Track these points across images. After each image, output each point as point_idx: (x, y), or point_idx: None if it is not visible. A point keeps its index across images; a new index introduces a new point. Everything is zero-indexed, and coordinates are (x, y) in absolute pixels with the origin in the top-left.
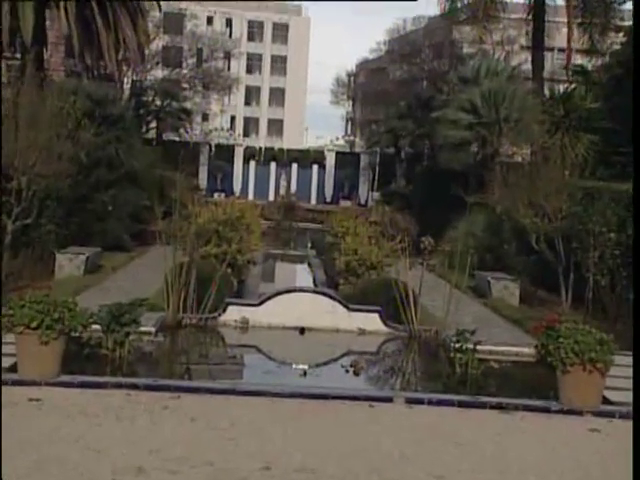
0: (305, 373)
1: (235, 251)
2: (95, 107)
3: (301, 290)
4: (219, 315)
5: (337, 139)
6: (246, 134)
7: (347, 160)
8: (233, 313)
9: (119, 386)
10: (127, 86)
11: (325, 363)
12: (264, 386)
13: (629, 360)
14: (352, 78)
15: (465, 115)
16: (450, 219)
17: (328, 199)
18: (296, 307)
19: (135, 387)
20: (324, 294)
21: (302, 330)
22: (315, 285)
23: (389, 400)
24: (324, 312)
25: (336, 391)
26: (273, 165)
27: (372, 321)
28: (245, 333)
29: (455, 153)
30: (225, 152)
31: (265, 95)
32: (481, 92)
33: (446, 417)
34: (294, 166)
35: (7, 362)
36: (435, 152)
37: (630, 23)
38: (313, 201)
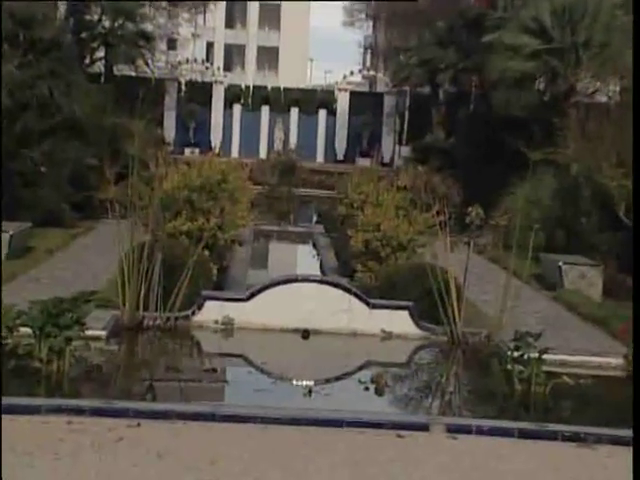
0: (310, 392)
1: (214, 227)
2: (19, 29)
3: (304, 280)
4: (193, 314)
5: (352, 74)
6: (228, 68)
7: (366, 103)
8: (212, 311)
9: (58, 411)
10: (63, 1)
11: (337, 378)
12: (255, 409)
13: None
14: None
15: (529, 39)
16: (506, 183)
17: (340, 156)
18: (298, 302)
19: (80, 412)
20: (336, 285)
21: (306, 333)
22: (323, 273)
23: (424, 428)
24: (336, 309)
25: (352, 416)
26: (265, 110)
27: (400, 321)
28: (229, 338)
29: (514, 92)
30: (200, 92)
31: (254, 14)
32: (552, 6)
33: (502, 452)
34: (294, 112)
35: None
36: (487, 91)
37: None
38: (320, 159)
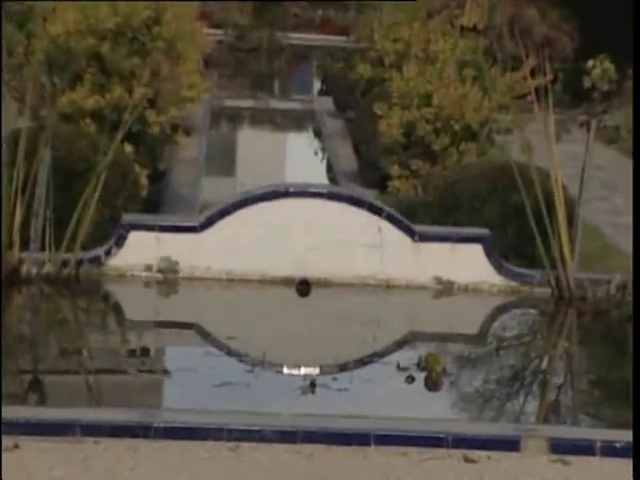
0: (313, 385)
1: (142, 104)
2: None
3: (300, 193)
4: (108, 254)
5: None
6: None
7: None
8: (142, 250)
9: None
10: None
11: (360, 362)
12: (216, 417)
13: None
14: None
15: None
16: None
17: None
18: (289, 233)
19: None
20: (355, 202)
21: (304, 287)
22: (334, 182)
23: (512, 446)
24: (355, 243)
25: (386, 426)
26: None
27: (468, 262)
28: (171, 295)
29: None
30: None
31: None
32: None
33: None
34: None
35: None
36: None
37: None
38: None
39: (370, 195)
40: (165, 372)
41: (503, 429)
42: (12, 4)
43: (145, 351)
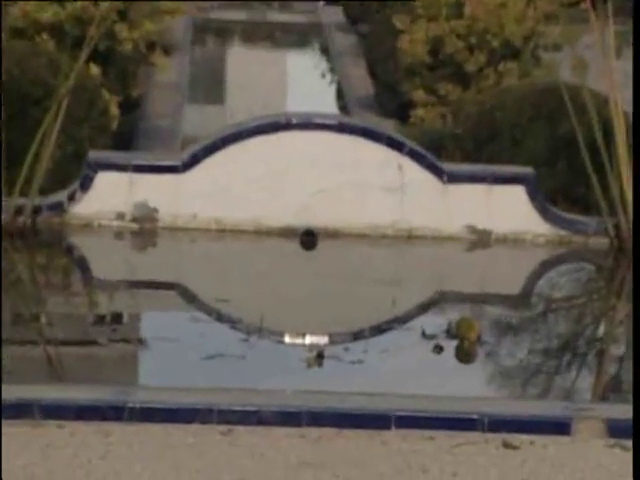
0: (321, 357)
1: (111, 16)
2: None
3: (303, 125)
4: (72, 199)
5: None
6: None
7: None
8: (112, 193)
9: None
10: None
11: (377, 329)
12: (204, 395)
13: None
14: None
15: None
16: None
17: None
18: (290, 174)
19: None
20: (372, 135)
21: (309, 238)
22: (344, 111)
23: (561, 429)
24: (369, 184)
25: (409, 405)
26: None
27: (507, 207)
28: (148, 248)
29: None
30: None
31: None
32: None
33: None
34: None
35: None
36: None
37: None
38: None
39: (389, 126)
40: (141, 342)
41: (550, 408)
42: None
43: (117, 317)
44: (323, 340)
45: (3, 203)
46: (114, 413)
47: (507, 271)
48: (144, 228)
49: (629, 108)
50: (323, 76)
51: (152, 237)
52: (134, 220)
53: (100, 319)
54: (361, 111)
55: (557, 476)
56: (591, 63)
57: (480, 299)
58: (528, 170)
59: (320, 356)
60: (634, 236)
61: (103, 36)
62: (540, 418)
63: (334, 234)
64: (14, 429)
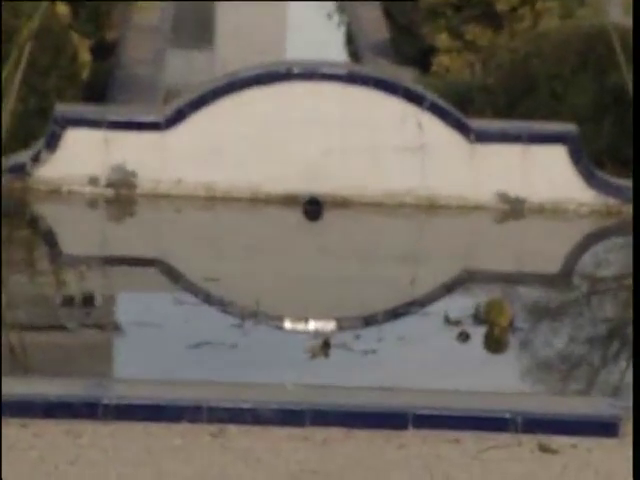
0: (327, 345)
1: None
2: None
3: (310, 74)
4: (36, 160)
5: None
6: None
7: None
8: (84, 153)
9: None
10: None
11: (392, 313)
12: (189, 390)
13: None
14: None
15: None
16: None
17: None
18: (294, 131)
19: None
20: (385, 85)
21: (313, 206)
22: (355, 59)
23: (607, 429)
24: (384, 145)
25: (429, 402)
26: None
27: (546, 171)
28: (124, 218)
29: None
30: None
31: None
32: None
33: None
34: None
35: None
36: None
37: None
38: None
39: (407, 77)
40: (118, 328)
41: (595, 406)
42: None
43: (90, 299)
44: (330, 326)
45: None
46: (87, 410)
47: (544, 246)
48: (121, 195)
49: None
50: (330, 17)
51: (130, 205)
52: (109, 185)
53: (70, 301)
54: (375, 59)
55: None
56: None
57: (513, 279)
58: (570, 127)
59: (326, 345)
60: (634, 237)
61: None
62: (583, 417)
63: (343, 203)
64: None
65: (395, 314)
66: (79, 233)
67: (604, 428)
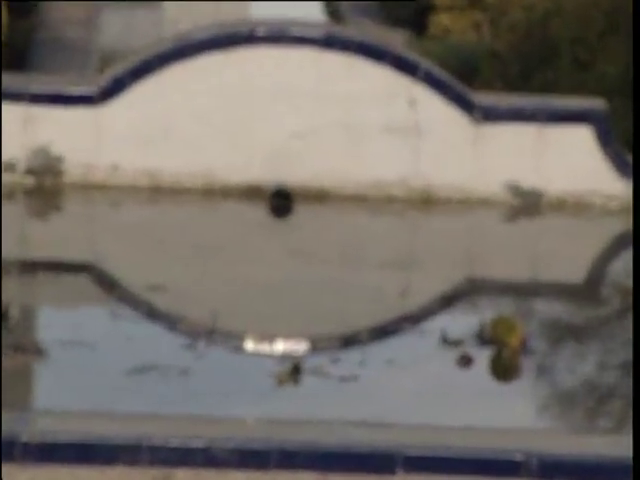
0: (297, 370)
1: None
2: None
3: (278, 37)
4: None
5: None
6: None
7: None
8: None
9: None
10: None
11: (378, 331)
12: (134, 426)
13: None
14: None
15: None
16: None
17: None
18: (258, 107)
19: None
20: (371, 51)
21: (280, 200)
22: (334, 18)
23: None
24: (369, 124)
25: (423, 439)
26: None
27: (567, 157)
28: (49, 212)
29: None
30: None
31: None
32: None
33: None
34: None
35: None
36: None
37: None
38: None
39: (398, 40)
40: (39, 350)
41: (625, 446)
42: None
43: (4, 314)
44: (302, 347)
45: None
46: (2, 450)
47: (565, 249)
48: (44, 184)
49: None
50: None
51: (56, 197)
52: (30, 172)
53: None
54: (358, 19)
55: None
56: None
57: (526, 289)
58: (597, 104)
59: (297, 370)
60: (634, 237)
61: None
62: (611, 460)
63: (318, 196)
64: None
65: (382, 332)
66: None
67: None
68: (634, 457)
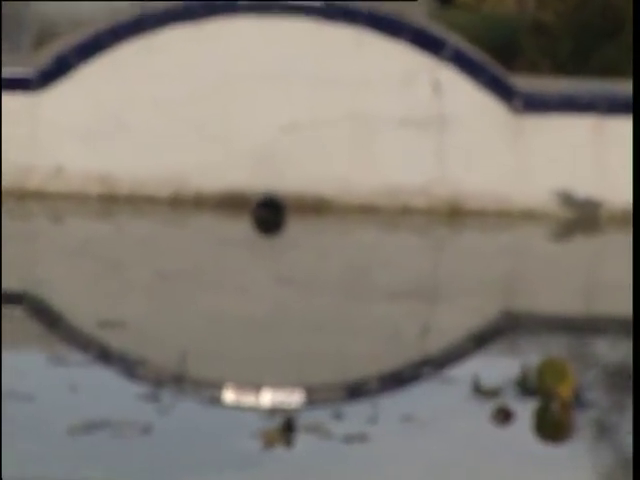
0: (290, 428)
1: None
2: None
3: (263, 7)
4: None
5: None
6: None
7: None
8: None
9: None
10: None
11: (392, 379)
12: None
13: None
14: None
15: None
16: None
17: None
18: (238, 96)
19: None
20: (381, 24)
21: (268, 210)
22: None
23: None
24: (380, 117)
25: None
26: None
27: (628, 157)
28: None
29: None
30: None
31: None
32: None
33: None
34: None
35: None
36: None
37: None
38: None
39: (418, 11)
40: None
41: None
42: None
43: None
44: (295, 398)
45: None
46: None
47: (630, 274)
48: None
49: None
50: None
51: None
52: None
53: None
54: None
55: None
56: None
57: (580, 326)
58: None
59: (289, 428)
60: (634, 237)
61: None
62: None
63: (316, 206)
64: None
65: (397, 380)
66: None
67: None
68: (634, 457)
